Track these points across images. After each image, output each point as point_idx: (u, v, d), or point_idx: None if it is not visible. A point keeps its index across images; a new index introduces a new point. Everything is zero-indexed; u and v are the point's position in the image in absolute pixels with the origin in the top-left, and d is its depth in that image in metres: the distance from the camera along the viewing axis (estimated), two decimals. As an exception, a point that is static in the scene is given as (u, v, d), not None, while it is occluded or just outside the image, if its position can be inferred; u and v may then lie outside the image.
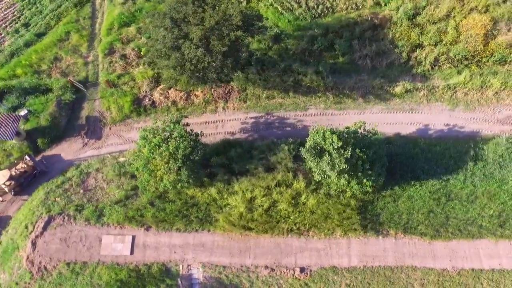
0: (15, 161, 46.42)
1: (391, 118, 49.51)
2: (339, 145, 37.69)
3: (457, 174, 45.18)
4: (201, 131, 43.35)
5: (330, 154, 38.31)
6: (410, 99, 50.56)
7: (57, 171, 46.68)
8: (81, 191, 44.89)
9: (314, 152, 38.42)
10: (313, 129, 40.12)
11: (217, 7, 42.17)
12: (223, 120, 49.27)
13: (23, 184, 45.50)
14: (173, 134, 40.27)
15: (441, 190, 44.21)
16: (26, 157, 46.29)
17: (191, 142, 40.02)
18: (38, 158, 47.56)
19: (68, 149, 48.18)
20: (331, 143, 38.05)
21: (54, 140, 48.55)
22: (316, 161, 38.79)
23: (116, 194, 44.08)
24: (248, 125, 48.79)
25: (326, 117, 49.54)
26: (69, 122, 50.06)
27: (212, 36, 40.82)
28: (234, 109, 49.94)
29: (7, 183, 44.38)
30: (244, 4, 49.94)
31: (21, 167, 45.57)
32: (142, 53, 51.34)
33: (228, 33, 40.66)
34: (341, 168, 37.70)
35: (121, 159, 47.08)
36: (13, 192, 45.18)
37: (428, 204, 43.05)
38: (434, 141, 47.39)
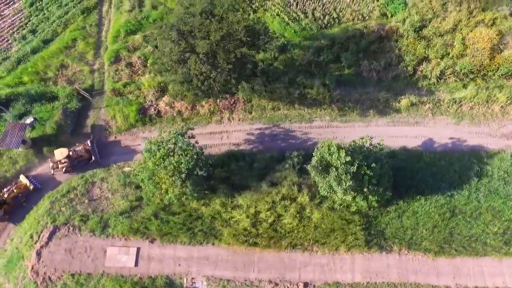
0: (77, 144, 48.27)
1: (396, 132, 49.49)
2: (347, 160, 37.73)
3: (461, 189, 45.20)
4: (204, 146, 43.53)
5: (336, 169, 38.33)
6: (415, 112, 50.52)
7: (109, 162, 48.00)
8: (86, 201, 45.09)
9: (320, 167, 38.48)
10: (320, 144, 40.11)
11: (224, 20, 42.26)
12: (228, 131, 49.36)
13: (76, 166, 47.21)
14: (177, 147, 40.37)
15: (446, 205, 44.22)
16: (88, 142, 47.90)
17: (195, 156, 40.08)
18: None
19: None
20: (338, 158, 38.11)
21: (59, 148, 48.53)
22: (322, 176, 38.83)
23: (121, 205, 44.26)
24: (253, 137, 48.85)
25: (331, 129, 49.56)
26: (75, 130, 50.26)
27: (218, 51, 40.79)
28: (239, 120, 50.01)
29: (63, 161, 46.30)
30: (251, 14, 49.65)
31: (80, 150, 47.37)
32: (148, 64, 51.39)
33: (233, 49, 40.61)
34: (347, 185, 37.71)
35: (126, 169, 47.20)
36: (64, 170, 46.80)
37: (433, 220, 43.07)
38: (439, 155, 47.35)
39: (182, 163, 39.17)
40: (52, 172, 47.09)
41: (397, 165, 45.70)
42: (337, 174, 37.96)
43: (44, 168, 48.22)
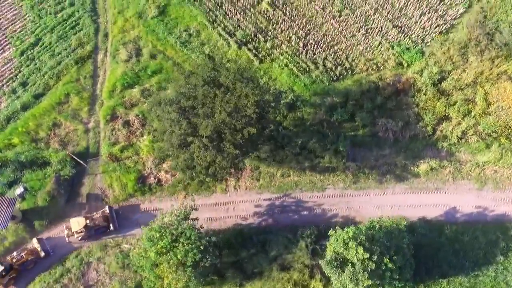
0: (95, 213, 45.01)
1: (414, 200, 46.02)
2: (366, 257, 34.33)
3: (487, 269, 42.22)
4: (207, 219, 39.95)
5: (353, 266, 34.93)
6: (435, 177, 46.96)
7: (127, 229, 44.85)
8: (82, 287, 41.57)
9: (335, 264, 35.04)
10: (335, 235, 36.61)
11: (230, 92, 38.39)
12: (234, 202, 45.74)
13: (92, 236, 44.11)
14: (181, 238, 36.77)
15: (471, 289, 41.05)
16: (106, 209, 44.69)
17: (201, 248, 36.58)
18: (116, 207, 45.78)
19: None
20: (355, 254, 34.68)
21: (52, 221, 45.14)
22: (337, 273, 35.38)
23: (119, 294, 40.87)
24: (261, 208, 45.28)
25: (345, 198, 46.02)
26: (69, 200, 46.61)
27: (224, 131, 36.89)
28: (246, 188, 46.36)
29: (79, 231, 43.09)
30: (261, 80, 45.34)
31: (98, 218, 44.22)
32: (147, 142, 47.41)
33: (241, 128, 36.73)
34: (364, 285, 34.36)
35: (125, 246, 43.77)
36: (80, 238, 43.67)
37: (458, 310, 39.81)
38: (461, 228, 44.07)
39: (189, 257, 35.65)
40: (67, 240, 43.98)
41: (417, 241, 42.43)
42: (354, 272, 34.55)
43: (57, 231, 45.07)
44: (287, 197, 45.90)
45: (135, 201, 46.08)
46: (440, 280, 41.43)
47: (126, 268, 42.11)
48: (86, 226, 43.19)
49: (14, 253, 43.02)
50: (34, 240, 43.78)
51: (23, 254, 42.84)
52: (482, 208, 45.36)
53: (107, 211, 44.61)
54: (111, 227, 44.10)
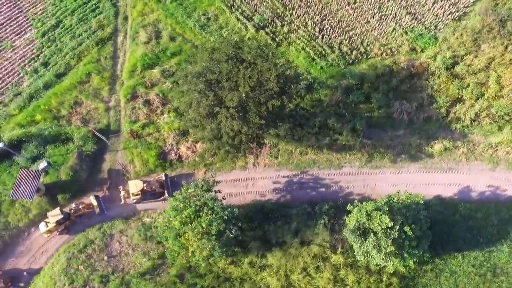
0: (152, 178, 46.45)
1: (429, 179, 47.04)
2: (390, 225, 35.36)
3: (501, 245, 43.14)
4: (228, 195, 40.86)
5: (375, 234, 35.99)
6: (449, 157, 48.03)
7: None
8: (105, 257, 42.54)
9: (358, 233, 36.10)
10: (356, 208, 37.62)
11: (252, 67, 39.52)
12: (253, 178, 46.72)
13: (146, 199, 45.27)
14: (204, 208, 37.70)
15: (485, 263, 42.09)
16: (162, 176, 45.91)
17: (225, 217, 37.52)
18: (172, 174, 46.94)
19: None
20: (378, 223, 35.71)
21: (75, 195, 46.08)
22: (360, 241, 36.44)
23: (142, 263, 41.74)
24: (280, 185, 46.26)
25: (362, 176, 47.05)
26: (90, 175, 47.58)
27: (249, 103, 38.03)
28: (265, 165, 47.36)
29: (136, 193, 44.38)
30: (280, 58, 46.42)
31: (154, 183, 45.38)
32: (171, 117, 48.44)
33: (265, 101, 37.87)
34: (388, 251, 35.40)
35: (146, 220, 44.67)
36: (135, 201, 44.86)
37: (473, 281, 40.82)
38: (475, 207, 45.04)
39: (213, 225, 36.60)
40: (123, 202, 45.37)
41: (432, 217, 43.28)
42: (376, 240, 35.63)
43: (111, 193, 46.79)
44: (305, 174, 46.91)
45: (191, 171, 47.18)
46: (455, 254, 42.33)
47: (149, 240, 43.00)
48: (142, 190, 44.54)
49: (73, 205, 44.97)
50: (92, 197, 45.40)
51: (80, 207, 44.61)
52: (495, 188, 46.35)
53: (163, 178, 45.67)
54: (166, 194, 45.05)
